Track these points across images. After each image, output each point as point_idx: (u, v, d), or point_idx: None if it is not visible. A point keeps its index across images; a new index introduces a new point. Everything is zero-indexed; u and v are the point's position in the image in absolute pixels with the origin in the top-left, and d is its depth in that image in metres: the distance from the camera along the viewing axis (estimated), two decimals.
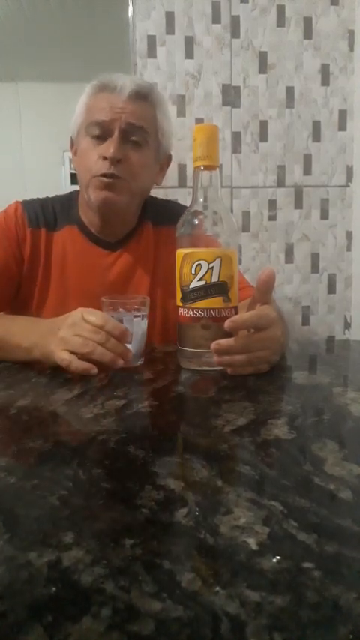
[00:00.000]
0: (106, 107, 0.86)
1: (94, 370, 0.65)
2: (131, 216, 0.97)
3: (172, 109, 1.37)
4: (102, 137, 0.87)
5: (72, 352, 0.66)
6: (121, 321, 0.69)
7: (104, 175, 0.86)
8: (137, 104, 0.87)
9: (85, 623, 0.22)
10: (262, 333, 0.65)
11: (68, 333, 0.67)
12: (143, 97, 0.89)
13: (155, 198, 1.08)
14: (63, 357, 0.66)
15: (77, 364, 0.65)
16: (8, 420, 0.52)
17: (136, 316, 0.72)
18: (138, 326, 0.72)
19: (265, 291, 0.68)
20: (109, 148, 0.85)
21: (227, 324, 0.64)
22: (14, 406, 0.55)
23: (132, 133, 0.87)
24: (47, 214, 0.97)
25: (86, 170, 0.89)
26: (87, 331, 0.66)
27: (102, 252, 0.96)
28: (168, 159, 1.00)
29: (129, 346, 0.69)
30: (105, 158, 0.85)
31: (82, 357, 0.65)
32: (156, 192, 1.32)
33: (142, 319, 0.73)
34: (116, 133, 0.86)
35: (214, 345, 0.64)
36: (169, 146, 0.97)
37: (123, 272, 0.96)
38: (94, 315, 0.67)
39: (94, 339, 0.66)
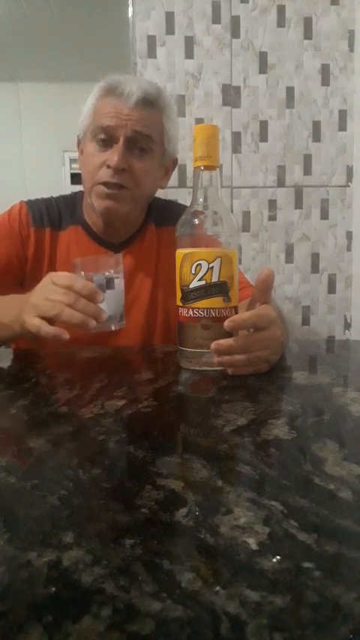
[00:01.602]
0: (112, 112, 0.86)
1: (65, 335, 0.63)
2: (135, 219, 0.98)
3: None
4: (107, 142, 0.87)
5: (43, 318, 0.65)
6: (92, 280, 0.67)
7: (107, 184, 0.86)
8: (144, 111, 0.87)
9: (85, 623, 0.22)
10: (261, 333, 0.65)
11: (38, 298, 0.66)
12: (150, 103, 0.88)
13: (158, 199, 1.08)
14: (33, 322, 0.64)
15: (47, 329, 0.63)
16: (8, 420, 0.52)
17: (109, 277, 0.68)
18: (113, 285, 0.68)
19: (263, 290, 0.69)
20: (114, 156, 0.85)
21: (227, 324, 0.64)
22: (14, 406, 0.55)
23: (138, 141, 0.87)
24: (52, 214, 0.97)
25: (90, 175, 0.89)
26: (55, 294, 0.65)
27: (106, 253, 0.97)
28: (174, 162, 1.00)
29: (104, 307, 0.66)
30: (109, 166, 0.85)
31: (55, 322, 0.64)
32: (156, 192, 1.32)
33: (118, 279, 0.69)
34: (121, 141, 0.85)
35: (213, 345, 0.64)
36: (174, 150, 0.97)
37: (126, 273, 0.96)
38: (62, 277, 0.66)
39: (61, 300, 0.64)
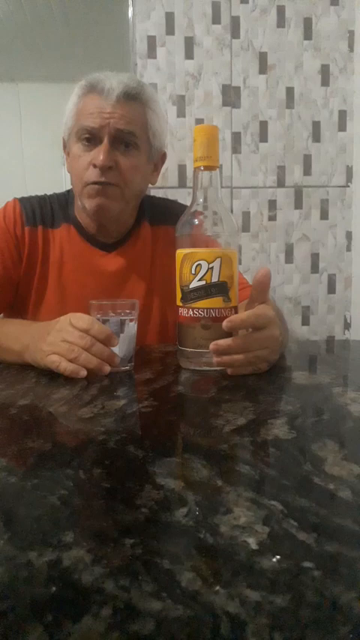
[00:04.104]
0: (95, 112, 0.85)
1: (83, 372, 0.65)
2: (127, 218, 0.97)
3: (172, 110, 1.37)
4: (92, 142, 0.86)
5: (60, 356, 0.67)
6: (108, 323, 0.69)
7: (95, 183, 0.86)
8: (126, 107, 0.86)
9: (85, 622, 0.22)
10: (260, 333, 0.65)
11: (56, 339, 0.67)
12: (132, 97, 0.87)
13: (153, 197, 1.08)
14: (52, 359, 0.66)
15: (65, 365, 0.65)
16: (8, 420, 0.52)
17: (124, 319, 0.70)
18: (126, 329, 0.70)
19: (261, 290, 0.69)
20: (99, 155, 0.84)
21: (225, 323, 0.64)
22: (14, 406, 0.55)
23: (122, 138, 0.86)
24: (45, 211, 0.97)
25: (78, 177, 0.89)
26: (73, 336, 0.66)
27: (98, 252, 0.96)
28: (162, 157, 0.99)
29: (116, 350, 0.68)
30: (95, 166, 0.85)
31: (71, 361, 0.66)
32: (155, 193, 1.33)
33: (131, 322, 0.72)
34: (105, 140, 0.85)
35: (212, 345, 0.64)
36: (162, 145, 0.96)
37: (120, 272, 0.96)
38: (80, 320, 0.67)
39: (79, 344, 0.66)
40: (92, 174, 0.86)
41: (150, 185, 1.01)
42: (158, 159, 0.97)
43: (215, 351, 0.64)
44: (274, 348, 0.68)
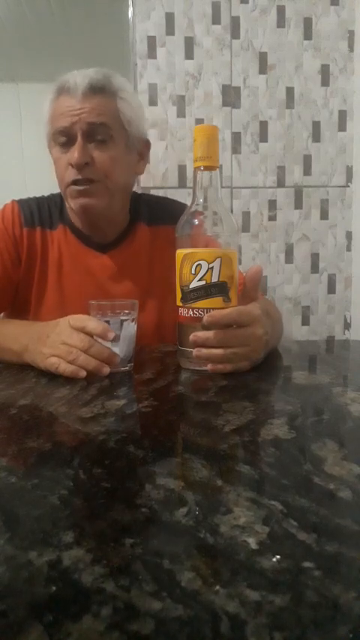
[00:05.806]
0: (65, 112, 0.84)
1: (82, 373, 0.65)
2: (118, 214, 0.96)
3: (172, 110, 1.37)
4: (68, 143, 0.86)
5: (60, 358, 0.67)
6: (108, 323, 0.69)
7: (76, 182, 0.86)
8: (94, 100, 0.84)
9: (85, 622, 0.22)
10: (242, 330, 0.66)
11: (55, 341, 0.68)
12: (99, 89, 0.85)
13: (151, 197, 1.07)
14: (51, 361, 0.67)
15: (65, 367, 0.66)
16: (8, 420, 0.52)
17: (124, 319, 0.70)
18: (126, 329, 0.70)
19: (251, 287, 0.69)
20: (74, 154, 0.84)
21: (205, 318, 0.64)
22: (14, 406, 0.55)
23: (95, 132, 0.85)
24: (43, 213, 0.97)
25: (60, 179, 0.89)
26: (72, 338, 0.67)
27: (93, 253, 0.96)
28: (146, 144, 0.97)
29: (116, 350, 0.68)
30: (72, 165, 0.85)
31: (70, 363, 0.66)
32: (156, 193, 1.33)
33: (131, 322, 0.71)
34: (79, 137, 0.84)
35: (191, 336, 0.64)
36: (141, 132, 0.94)
37: (116, 273, 0.96)
38: (78, 321, 0.68)
39: (77, 346, 0.66)
40: (71, 174, 0.86)
41: (149, 184, 1.00)
42: (142, 147, 0.95)
43: (194, 343, 0.64)
44: (256, 347, 0.68)
